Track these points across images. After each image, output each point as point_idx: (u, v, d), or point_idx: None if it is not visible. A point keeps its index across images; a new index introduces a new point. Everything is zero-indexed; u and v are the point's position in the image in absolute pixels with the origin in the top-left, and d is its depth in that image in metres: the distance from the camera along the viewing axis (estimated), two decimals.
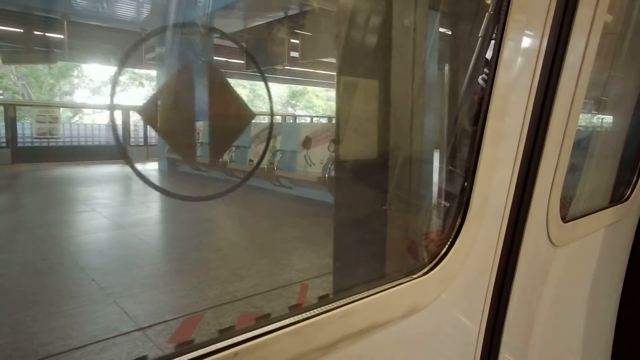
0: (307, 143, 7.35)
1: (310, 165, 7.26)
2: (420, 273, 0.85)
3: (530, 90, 0.99)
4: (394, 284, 0.79)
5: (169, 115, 0.70)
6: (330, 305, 0.68)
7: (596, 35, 1.13)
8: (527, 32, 0.94)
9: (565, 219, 1.30)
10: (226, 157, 8.93)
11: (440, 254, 0.89)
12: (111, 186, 9.10)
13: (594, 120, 2.39)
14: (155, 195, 8.72)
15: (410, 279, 0.83)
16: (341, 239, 1.72)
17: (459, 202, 0.94)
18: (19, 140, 11.87)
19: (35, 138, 12.07)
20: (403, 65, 1.41)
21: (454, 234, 0.91)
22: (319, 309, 0.67)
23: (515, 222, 1.09)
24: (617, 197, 1.86)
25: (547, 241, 1.23)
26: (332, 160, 6.54)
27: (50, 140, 12.22)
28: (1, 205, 6.70)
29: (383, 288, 0.77)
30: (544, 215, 1.17)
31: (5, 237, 4.62)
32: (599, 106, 2.24)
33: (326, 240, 5.04)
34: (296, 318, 0.64)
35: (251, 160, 8.42)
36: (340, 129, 1.47)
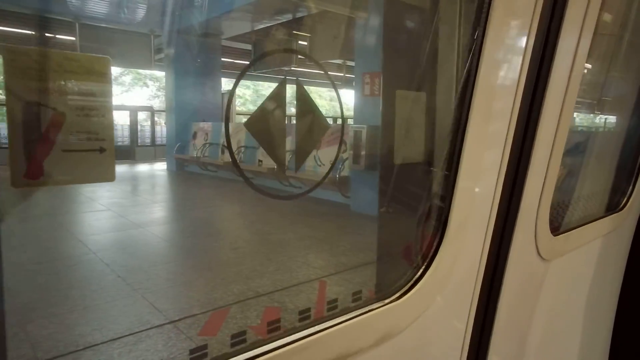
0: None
1: (320, 166, 7.39)
2: (394, 297, 0.79)
3: (515, 93, 0.92)
4: (365, 311, 0.74)
5: (266, 127, 0.83)
6: (289, 337, 0.64)
7: (588, 33, 1.05)
8: (511, 30, 0.87)
9: (556, 230, 1.23)
10: (235, 157, 9.07)
11: (416, 276, 0.83)
12: (121, 186, 9.24)
13: (589, 125, 2.29)
14: (164, 194, 8.86)
15: (382, 304, 0.78)
16: (386, 238, 1.77)
17: (437, 220, 0.87)
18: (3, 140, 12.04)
19: None
20: (448, 76, 1.44)
21: (431, 254, 0.85)
22: (275, 342, 0.62)
23: (501, 236, 1.02)
24: (612, 206, 1.78)
25: (536, 255, 1.16)
26: (341, 160, 6.68)
27: None
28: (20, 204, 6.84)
29: (352, 316, 0.72)
30: (532, 228, 1.10)
31: (41, 237, 4.77)
32: (593, 111, 2.18)
33: (338, 238, 5.18)
34: (251, 353, 0.59)
35: (260, 160, 8.54)
36: (391, 135, 1.56)
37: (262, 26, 10.20)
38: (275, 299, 3.24)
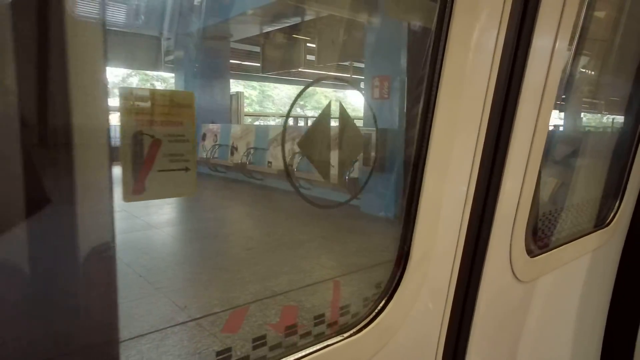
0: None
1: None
2: (353, 331, 0.75)
3: (485, 99, 0.83)
4: (319, 347, 0.70)
5: (316, 145, 0.94)
6: None
7: (566, 29, 0.94)
8: (477, 24, 0.78)
9: (536, 249, 1.16)
10: (244, 158, 9.21)
11: (378, 309, 0.78)
12: None
13: (575, 137, 2.20)
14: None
15: (341, 338, 0.73)
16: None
17: (399, 249, 0.82)
18: None
19: None
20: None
21: (394, 284, 0.80)
22: None
23: (472, 260, 0.95)
24: (598, 222, 1.66)
25: (512, 277, 1.07)
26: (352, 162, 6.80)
27: None
28: None
29: (305, 353, 0.67)
30: (506, 250, 1.02)
31: None
32: (581, 123, 2.07)
33: (349, 239, 5.29)
34: None
35: (269, 162, 8.67)
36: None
37: (270, 29, 10.33)
38: (291, 298, 3.36)
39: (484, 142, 0.85)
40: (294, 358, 0.66)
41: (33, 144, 0.52)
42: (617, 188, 1.69)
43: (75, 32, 0.53)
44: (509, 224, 1.00)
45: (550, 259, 1.27)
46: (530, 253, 1.13)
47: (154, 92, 0.69)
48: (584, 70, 1.86)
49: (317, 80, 1.13)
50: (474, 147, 0.84)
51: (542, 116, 0.95)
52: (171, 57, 12.05)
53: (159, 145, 0.69)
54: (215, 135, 10.94)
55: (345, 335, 0.75)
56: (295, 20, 9.89)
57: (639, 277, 1.70)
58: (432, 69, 0.77)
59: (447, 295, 0.92)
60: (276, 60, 10.92)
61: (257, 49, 11.74)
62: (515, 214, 1.00)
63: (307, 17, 9.54)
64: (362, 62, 9.17)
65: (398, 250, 0.83)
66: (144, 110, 0.67)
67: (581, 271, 1.50)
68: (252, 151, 8.99)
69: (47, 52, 0.51)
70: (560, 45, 0.94)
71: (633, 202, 1.70)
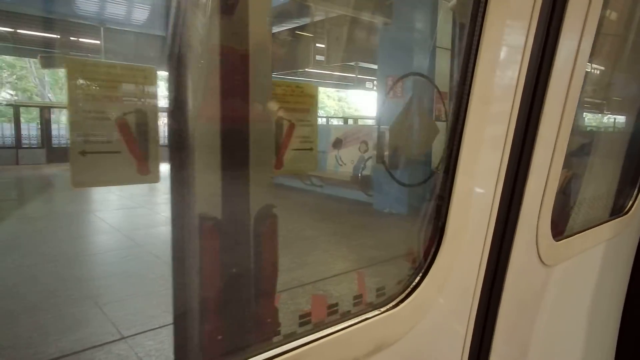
0: (337, 144, 7.77)
1: (341, 165, 7.68)
2: (389, 306, 0.77)
3: (514, 95, 0.88)
4: (358, 320, 0.72)
5: (400, 133, 1.08)
6: (280, 348, 0.62)
7: (590, 33, 1.01)
8: (509, 28, 0.83)
9: (559, 235, 1.20)
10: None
11: (413, 284, 0.81)
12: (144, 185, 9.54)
13: (592, 128, 2.24)
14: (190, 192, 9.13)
15: (378, 312, 0.76)
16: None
17: (434, 226, 0.85)
18: (54, 140, 12.40)
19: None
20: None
21: (428, 261, 0.83)
22: (269, 352, 0.61)
23: (501, 241, 0.99)
24: (616, 210, 1.73)
25: (538, 261, 1.12)
26: (363, 160, 6.94)
27: None
28: (57, 198, 7.18)
29: (345, 325, 0.70)
30: (533, 233, 1.06)
31: (87, 231, 5.09)
32: (598, 112, 2.14)
33: (365, 235, 5.44)
34: None
35: None
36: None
37: (279, 29, 10.46)
38: (318, 288, 3.51)
39: (514, 133, 0.91)
40: (334, 329, 0.68)
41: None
42: (635, 177, 1.77)
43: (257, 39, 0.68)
44: (536, 207, 1.04)
45: (574, 243, 1.32)
46: (555, 237, 1.17)
47: (290, 84, 0.84)
48: (603, 67, 1.93)
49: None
50: (504, 140, 0.90)
51: (569, 105, 1.02)
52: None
53: (293, 129, 0.83)
54: None
55: (383, 309, 0.77)
56: (305, 20, 10.03)
57: None
58: (466, 66, 0.82)
59: (478, 273, 0.94)
60: (284, 60, 11.06)
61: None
62: (542, 197, 1.05)
63: (317, 18, 9.69)
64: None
65: (432, 225, 0.86)
66: (286, 99, 0.82)
67: (601, 257, 1.55)
68: None
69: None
70: (584, 45, 1.00)
71: None
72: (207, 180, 0.75)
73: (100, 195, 7.04)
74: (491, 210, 0.91)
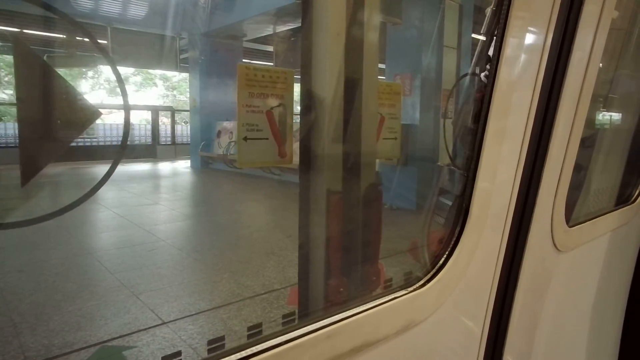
0: None
1: None
2: (417, 285, 0.81)
3: (534, 89, 0.93)
4: (388, 299, 0.75)
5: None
6: (314, 325, 0.64)
7: (604, 31, 1.07)
8: (530, 28, 0.89)
9: (569, 223, 1.24)
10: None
11: (439, 265, 0.84)
12: (153, 182, 9.69)
13: (600, 118, 2.30)
14: (200, 189, 9.29)
15: (406, 292, 0.79)
16: None
17: (458, 209, 0.89)
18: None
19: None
20: None
21: (452, 242, 0.87)
22: (302, 329, 0.63)
23: (519, 228, 1.04)
24: (624, 199, 1.80)
25: (552, 247, 1.18)
26: None
27: (87, 140, 12.87)
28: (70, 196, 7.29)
29: (375, 304, 0.73)
30: (548, 220, 1.12)
31: (110, 226, 5.22)
32: (605, 104, 2.18)
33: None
34: (277, 341, 0.60)
35: None
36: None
37: (285, 29, 10.61)
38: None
39: (532, 128, 0.96)
40: (366, 307, 0.71)
41: None
42: None
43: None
44: (552, 194, 1.09)
45: (586, 230, 1.39)
46: (569, 223, 1.22)
47: (382, 83, 1.00)
48: (613, 64, 1.99)
49: None
50: (523, 133, 0.95)
51: (583, 100, 1.08)
52: (186, 56, 12.33)
53: (383, 121, 0.99)
54: (230, 132, 11.23)
55: (410, 289, 0.80)
56: None
57: None
58: (493, 63, 0.87)
59: (498, 257, 0.98)
60: (289, 60, 11.21)
61: (270, 48, 12.01)
62: (558, 185, 1.10)
63: None
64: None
65: (457, 207, 0.89)
66: (382, 96, 0.98)
67: (611, 243, 1.62)
68: (233, 144, 9.30)
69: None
70: (598, 43, 1.07)
71: None
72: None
73: (113, 193, 7.17)
74: (510, 199, 0.97)
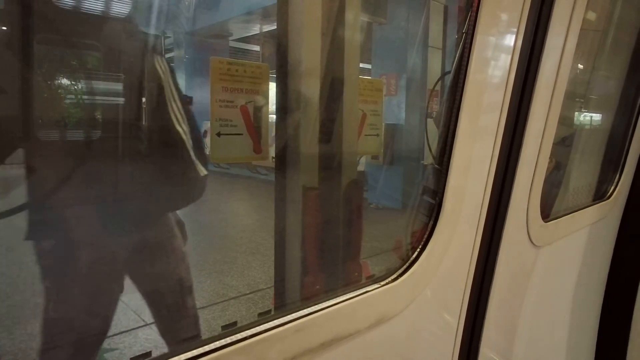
0: None
1: None
2: (389, 280, 0.79)
3: (506, 87, 0.94)
4: (359, 293, 0.74)
5: None
6: (282, 319, 0.63)
7: (575, 29, 1.08)
8: (500, 25, 0.89)
9: (546, 218, 1.26)
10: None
11: (411, 259, 0.83)
12: None
13: (578, 118, 2.33)
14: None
15: (378, 285, 0.77)
16: None
17: (431, 204, 0.89)
18: None
19: None
20: None
21: (425, 236, 0.86)
22: (269, 323, 0.61)
23: (494, 222, 1.04)
24: (600, 195, 1.83)
25: (528, 241, 1.19)
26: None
27: None
28: None
29: (346, 297, 0.72)
30: (524, 214, 1.13)
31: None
32: (583, 104, 2.23)
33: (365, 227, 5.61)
34: (242, 335, 0.58)
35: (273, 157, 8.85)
36: None
37: (272, 28, 10.56)
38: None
39: (505, 125, 0.96)
40: (336, 301, 0.70)
41: None
42: (617, 164, 1.88)
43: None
44: (527, 190, 1.10)
45: (562, 225, 1.40)
46: (545, 218, 1.24)
47: (364, 80, 1.00)
48: (587, 64, 2.03)
49: None
50: (495, 130, 0.95)
51: (556, 96, 1.10)
52: (171, 55, 12.17)
53: (365, 117, 0.99)
54: None
55: (382, 283, 0.78)
56: None
57: (634, 246, 1.93)
58: (464, 61, 0.87)
59: (473, 251, 0.97)
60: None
61: (257, 47, 11.95)
62: (532, 181, 1.11)
63: None
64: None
65: (429, 205, 0.89)
66: (363, 93, 0.97)
67: (587, 239, 1.64)
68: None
69: None
70: (570, 42, 1.08)
71: (630, 177, 1.91)
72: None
73: None
74: (484, 193, 0.96)
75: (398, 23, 6.39)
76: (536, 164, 1.10)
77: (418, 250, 0.85)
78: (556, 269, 1.50)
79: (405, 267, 0.82)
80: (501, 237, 1.06)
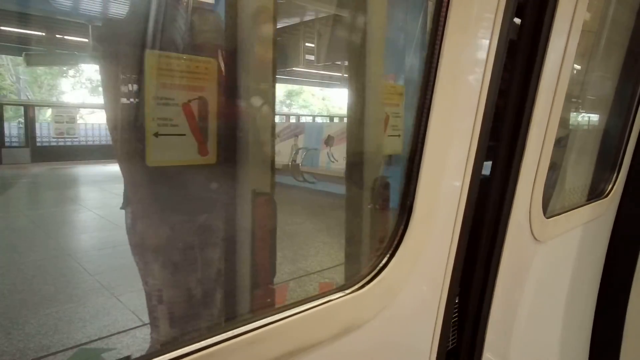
0: (329, 141, 7.93)
1: (333, 162, 7.83)
2: (355, 287, 0.76)
3: (481, 87, 0.89)
4: (321, 302, 0.70)
5: None
6: (236, 330, 0.59)
7: (578, 25, 1.08)
8: (473, 22, 0.84)
9: (546, 215, 1.28)
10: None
11: (380, 266, 0.80)
12: None
13: (576, 117, 2.37)
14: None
15: (343, 294, 0.74)
16: None
17: (401, 207, 0.85)
18: (38, 139, 12.22)
19: (53, 138, 12.47)
20: None
21: (396, 242, 0.82)
22: (219, 336, 0.58)
23: (498, 218, 1.05)
24: (597, 193, 1.87)
25: (530, 237, 1.20)
26: None
27: (67, 139, 12.62)
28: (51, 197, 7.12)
29: (306, 307, 0.68)
30: (526, 210, 1.14)
31: (88, 227, 5.10)
32: (579, 103, 2.25)
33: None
34: (190, 348, 0.55)
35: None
36: None
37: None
38: (324, 276, 3.68)
39: (481, 124, 0.91)
40: (297, 311, 0.66)
41: None
42: (614, 163, 1.90)
43: None
44: (530, 186, 1.10)
45: (562, 221, 1.42)
46: (546, 214, 1.25)
47: (388, 85, 1.03)
48: (586, 64, 2.06)
49: None
50: (471, 130, 0.90)
51: (558, 95, 1.09)
52: None
53: (387, 119, 1.01)
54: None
55: (348, 291, 0.75)
56: (295, 20, 10.14)
57: (628, 244, 1.95)
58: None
59: (449, 255, 0.94)
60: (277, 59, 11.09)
61: None
62: (535, 176, 1.11)
63: (307, 17, 9.82)
64: None
65: (400, 205, 0.85)
66: (388, 97, 1.01)
67: (585, 235, 1.67)
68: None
69: None
70: (572, 41, 1.06)
71: (625, 175, 1.93)
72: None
73: (94, 194, 7.04)
74: (460, 193, 0.92)
75: (397, 24, 6.37)
76: (539, 159, 1.11)
77: (387, 256, 0.81)
78: (554, 264, 1.52)
79: (373, 274, 0.79)
80: (506, 232, 1.06)
